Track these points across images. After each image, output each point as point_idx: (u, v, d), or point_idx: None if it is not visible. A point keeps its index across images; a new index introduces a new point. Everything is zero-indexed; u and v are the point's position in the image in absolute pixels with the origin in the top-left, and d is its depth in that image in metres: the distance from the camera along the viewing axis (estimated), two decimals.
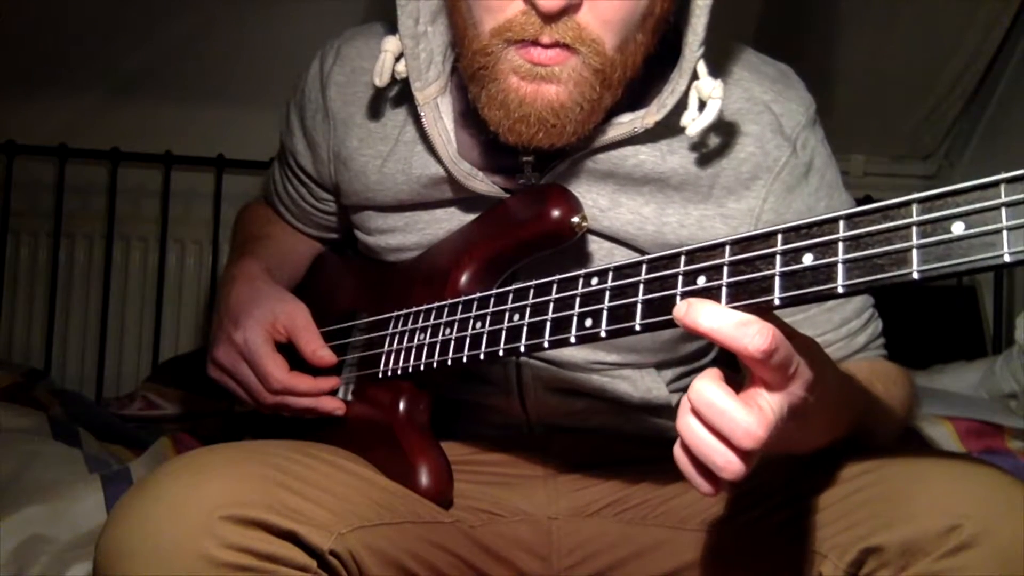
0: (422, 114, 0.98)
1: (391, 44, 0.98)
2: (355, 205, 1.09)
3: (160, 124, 2.25)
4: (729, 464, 0.66)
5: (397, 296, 1.03)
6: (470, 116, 1.00)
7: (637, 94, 0.95)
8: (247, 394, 1.06)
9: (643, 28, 0.89)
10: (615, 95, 0.91)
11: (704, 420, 0.66)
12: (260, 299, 1.06)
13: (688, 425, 0.67)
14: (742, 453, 0.66)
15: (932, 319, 2.30)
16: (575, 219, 0.93)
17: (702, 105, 0.92)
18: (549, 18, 0.85)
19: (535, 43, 0.86)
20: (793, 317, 0.98)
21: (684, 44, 0.92)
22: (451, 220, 1.03)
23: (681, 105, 0.93)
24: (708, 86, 0.91)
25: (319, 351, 1.03)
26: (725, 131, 0.98)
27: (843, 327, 1.01)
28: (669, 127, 0.95)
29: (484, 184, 0.98)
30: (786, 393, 0.68)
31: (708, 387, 0.66)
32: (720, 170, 0.98)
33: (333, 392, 1.05)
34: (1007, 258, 0.56)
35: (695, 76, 0.92)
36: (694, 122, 0.91)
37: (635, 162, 0.96)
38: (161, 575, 0.74)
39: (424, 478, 0.94)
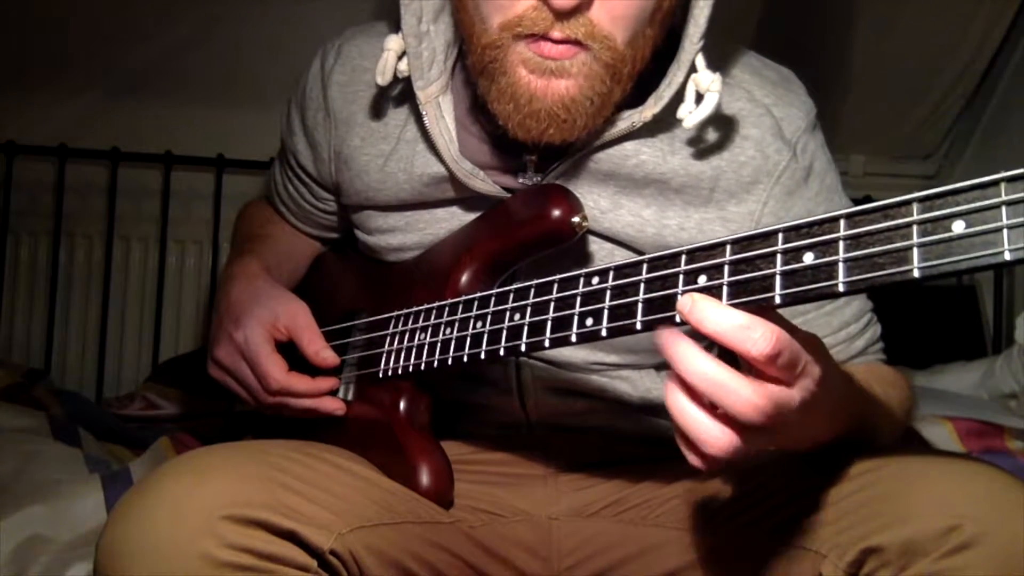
0: (424, 113, 0.98)
1: (394, 43, 0.98)
2: (356, 205, 1.09)
3: (160, 124, 2.25)
4: (712, 438, 0.66)
5: (397, 296, 1.03)
6: (473, 115, 1.00)
7: (641, 90, 0.95)
8: (247, 393, 1.06)
9: (652, 22, 0.90)
10: (624, 89, 0.91)
11: (702, 393, 0.66)
12: (261, 298, 1.06)
13: (675, 401, 0.68)
14: (738, 427, 0.66)
15: (932, 319, 2.30)
16: (575, 219, 0.93)
17: (699, 99, 0.91)
18: (561, 15, 0.85)
19: (545, 38, 0.86)
20: (791, 321, 0.98)
21: (684, 36, 0.92)
22: (452, 220, 1.03)
23: (679, 99, 0.92)
24: (706, 79, 0.91)
25: (322, 352, 1.03)
26: (725, 131, 0.98)
27: (842, 331, 1.01)
28: (671, 125, 0.95)
29: (485, 183, 0.98)
30: (796, 389, 0.68)
31: (702, 361, 0.66)
32: (721, 173, 0.98)
33: (333, 392, 1.05)
34: (1007, 256, 0.56)
35: (693, 69, 0.92)
36: (691, 115, 0.91)
37: (636, 162, 0.96)
38: (161, 575, 0.74)
39: (424, 478, 0.94)
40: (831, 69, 2.23)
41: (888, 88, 2.33)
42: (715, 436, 0.67)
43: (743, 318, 0.65)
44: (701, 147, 0.97)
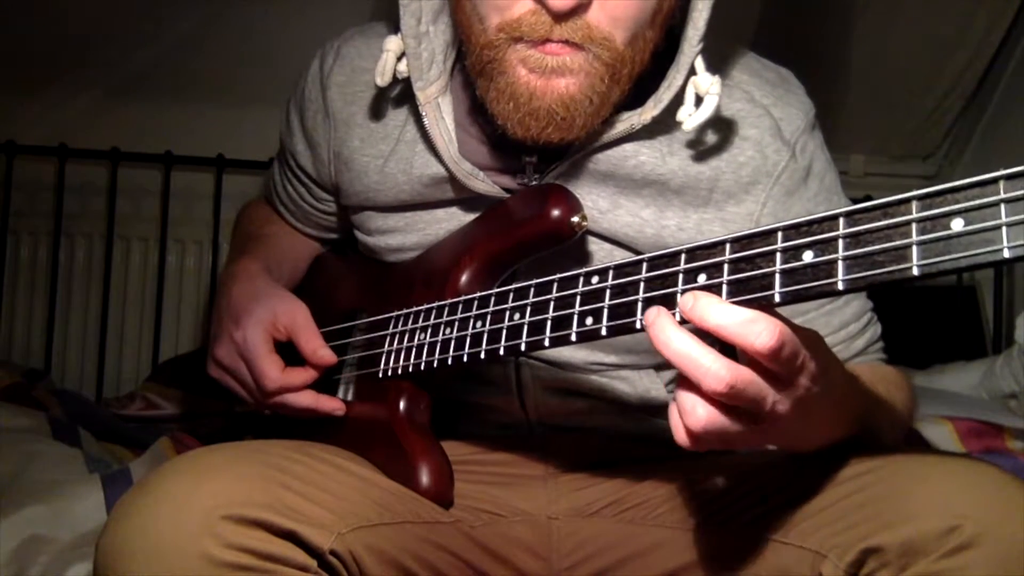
0: (423, 114, 0.98)
1: (393, 44, 0.98)
2: (355, 205, 1.09)
3: (160, 124, 2.26)
4: (693, 410, 0.68)
5: (397, 296, 1.03)
6: (472, 115, 1.00)
7: (640, 91, 0.95)
8: (246, 393, 1.06)
9: (652, 24, 0.90)
10: (623, 90, 0.91)
11: (676, 366, 0.67)
12: (260, 298, 1.06)
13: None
14: (722, 407, 0.68)
15: (932, 319, 2.30)
16: (575, 218, 0.93)
17: (699, 101, 0.92)
18: (559, 17, 0.85)
19: (545, 42, 0.86)
20: (790, 321, 0.98)
21: (684, 39, 0.92)
22: (451, 220, 1.03)
23: (679, 101, 0.93)
24: (706, 81, 0.91)
25: (319, 350, 1.03)
26: (724, 132, 0.98)
27: (842, 330, 1.02)
28: (670, 127, 0.95)
29: (485, 184, 0.98)
30: (793, 386, 0.68)
31: (677, 335, 0.67)
32: (720, 174, 0.98)
33: (333, 392, 1.05)
34: (1006, 254, 0.56)
35: (693, 72, 0.92)
36: (690, 117, 0.91)
37: (635, 163, 0.96)
38: (162, 575, 0.74)
39: (425, 478, 0.94)
40: (831, 69, 2.23)
41: (888, 88, 2.33)
42: (695, 409, 0.68)
43: (746, 313, 0.65)
44: (700, 148, 0.97)
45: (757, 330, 0.65)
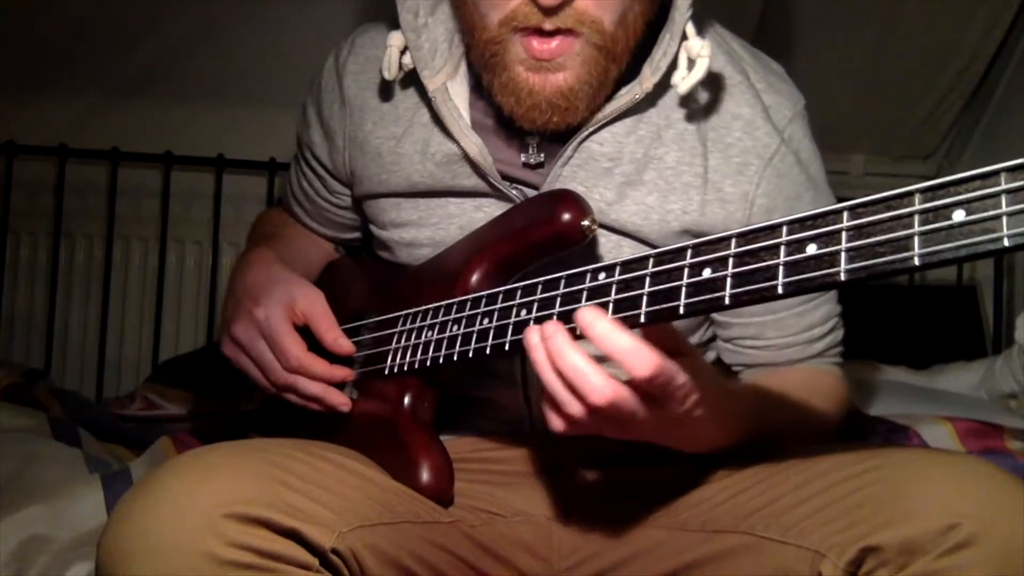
0: (433, 99, 1.01)
1: (395, 39, 1.02)
2: (368, 193, 1.10)
3: (160, 124, 2.26)
4: (567, 402, 0.78)
5: (407, 298, 1.03)
6: (477, 93, 1.04)
7: (634, 65, 0.98)
8: (260, 372, 1.06)
9: None
10: (620, 65, 0.96)
11: (568, 380, 0.76)
12: (279, 281, 1.07)
13: (546, 372, 0.78)
14: (587, 405, 0.76)
15: (932, 319, 2.30)
16: (585, 222, 0.94)
17: (691, 65, 0.95)
18: (548, 11, 0.90)
19: (539, 30, 0.91)
20: (763, 318, 1.03)
21: (673, 7, 0.95)
22: (462, 216, 1.04)
23: (675, 66, 0.97)
24: (697, 45, 0.95)
25: (339, 339, 1.04)
26: (718, 102, 1.01)
27: (805, 332, 1.05)
28: (669, 104, 0.99)
29: (488, 162, 1.00)
30: (663, 408, 0.77)
31: (570, 352, 0.76)
32: (709, 152, 1.01)
33: (339, 388, 1.06)
34: (1007, 242, 0.57)
35: (684, 37, 0.96)
36: (684, 80, 0.95)
37: (636, 137, 0.99)
38: (164, 573, 0.74)
39: (425, 475, 0.94)
40: (831, 68, 2.23)
41: (888, 88, 2.33)
42: (568, 401, 0.78)
43: (631, 343, 0.73)
44: (695, 118, 1.01)
45: (634, 361, 0.73)
